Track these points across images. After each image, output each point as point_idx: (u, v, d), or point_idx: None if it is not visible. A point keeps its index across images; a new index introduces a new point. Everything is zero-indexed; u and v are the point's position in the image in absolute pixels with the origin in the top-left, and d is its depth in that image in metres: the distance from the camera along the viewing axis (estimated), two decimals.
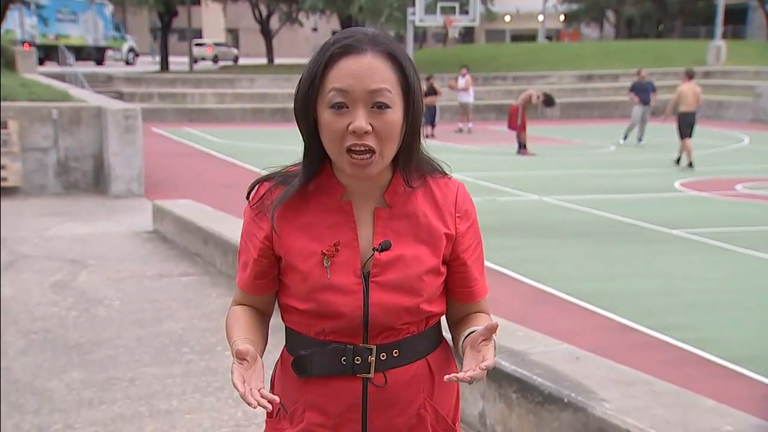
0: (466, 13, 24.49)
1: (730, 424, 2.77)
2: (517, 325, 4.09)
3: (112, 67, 43.79)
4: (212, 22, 66.85)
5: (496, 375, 3.49)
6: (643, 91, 20.76)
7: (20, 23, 33.06)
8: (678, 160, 16.25)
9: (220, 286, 7.05)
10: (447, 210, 1.81)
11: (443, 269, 1.81)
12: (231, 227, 7.59)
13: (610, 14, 56.09)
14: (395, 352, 1.75)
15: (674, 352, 5.92)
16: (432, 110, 20.87)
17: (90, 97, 15.16)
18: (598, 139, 21.58)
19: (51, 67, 33.96)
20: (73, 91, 16.45)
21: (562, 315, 6.85)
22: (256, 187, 1.80)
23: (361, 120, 1.61)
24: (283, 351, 1.91)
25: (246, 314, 1.87)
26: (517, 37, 60.72)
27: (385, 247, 1.72)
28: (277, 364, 1.94)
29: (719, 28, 35.27)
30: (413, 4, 24.22)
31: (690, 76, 16.86)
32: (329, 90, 1.62)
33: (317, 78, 1.64)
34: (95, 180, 12.37)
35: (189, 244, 8.36)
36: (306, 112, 1.69)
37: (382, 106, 1.63)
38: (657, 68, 33.72)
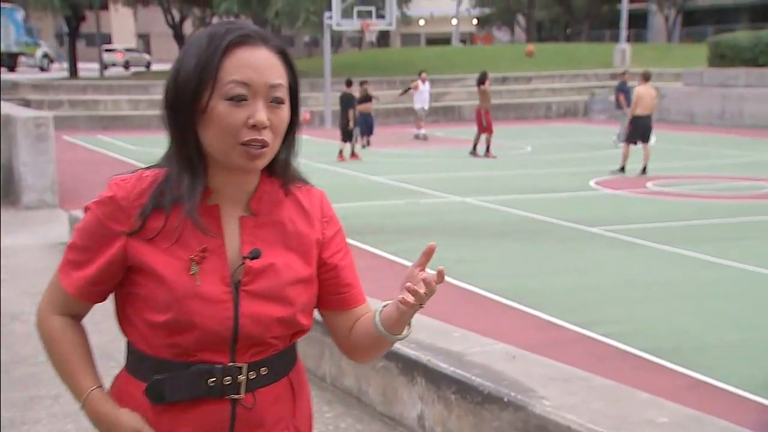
0: (383, 17, 24.53)
1: (665, 415, 2.84)
2: (453, 325, 4.10)
3: (25, 73, 42.29)
4: (122, 27, 65.11)
5: (434, 376, 3.50)
6: (626, 92, 20.29)
7: None
8: (623, 168, 15.39)
9: None
10: (315, 216, 1.74)
11: (316, 279, 1.73)
12: None
13: (521, 18, 57.29)
14: (263, 370, 1.65)
15: (599, 347, 6.06)
16: (368, 118, 20.06)
17: None
18: (516, 140, 21.97)
19: None
20: None
21: (489, 314, 6.94)
22: (112, 185, 1.64)
23: (262, 114, 1.53)
24: (121, 377, 1.74)
25: (79, 338, 1.73)
26: (432, 41, 61.42)
27: (255, 255, 1.61)
28: (110, 392, 1.74)
29: (624, 31, 36.51)
30: (330, 8, 24.09)
31: (646, 78, 15.98)
32: (227, 81, 1.53)
33: (210, 68, 1.53)
34: (5, 191, 11.81)
35: None
36: (190, 105, 1.56)
37: (279, 102, 1.57)
38: (567, 70, 34.67)
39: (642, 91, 15.62)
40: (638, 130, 15.44)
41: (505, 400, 3.09)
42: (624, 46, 35.65)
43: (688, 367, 5.60)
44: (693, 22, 55.71)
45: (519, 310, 6.97)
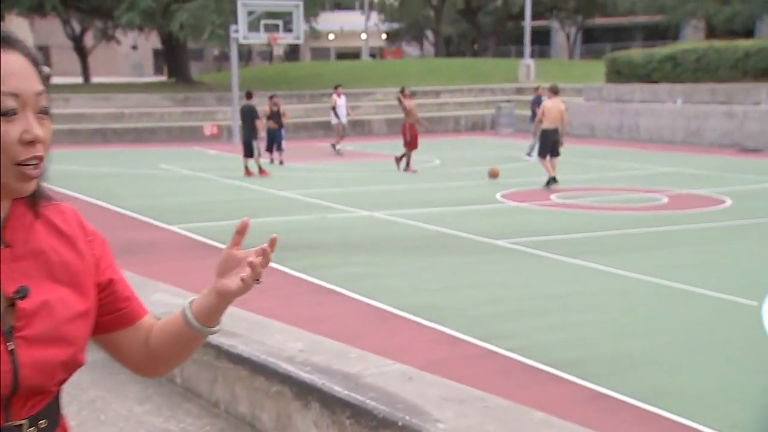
0: (290, 30, 24.38)
1: None
2: (350, 346, 3.99)
3: None
4: (19, 38, 62.56)
5: (328, 401, 3.37)
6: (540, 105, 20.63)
7: None
8: (551, 181, 15.30)
9: None
10: (77, 237, 1.52)
11: (94, 310, 1.52)
12: None
13: (429, 33, 58.05)
14: (43, 423, 1.43)
15: (502, 362, 6.06)
16: (276, 134, 19.43)
17: None
18: (424, 154, 22.02)
19: None
20: None
21: (395, 330, 6.86)
22: None
23: (36, 127, 1.34)
24: None
25: None
26: (342, 55, 61.46)
27: (23, 294, 1.37)
28: None
29: (528, 47, 37.43)
30: (236, 22, 23.75)
31: (555, 91, 15.96)
32: None
33: None
34: None
35: None
36: None
37: (46, 112, 1.38)
38: (474, 85, 35.22)
39: (549, 105, 15.69)
40: (548, 144, 15.54)
41: (400, 424, 3.00)
42: (528, 62, 36.52)
43: (587, 379, 5.65)
44: (592, 40, 57.67)
45: (425, 325, 6.92)
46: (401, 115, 30.05)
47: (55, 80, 51.12)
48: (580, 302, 7.67)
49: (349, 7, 59.56)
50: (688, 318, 7.19)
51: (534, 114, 20.14)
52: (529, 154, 20.00)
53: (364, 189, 15.62)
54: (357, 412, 3.21)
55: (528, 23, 36.83)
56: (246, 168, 17.56)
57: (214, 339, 4.63)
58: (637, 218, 12.22)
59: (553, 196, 14.35)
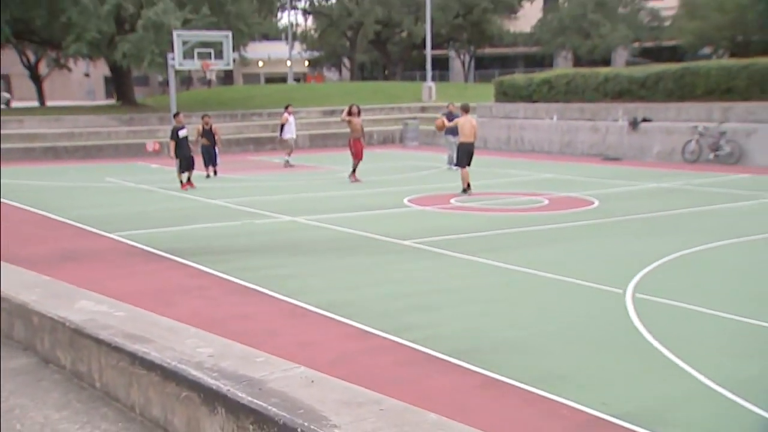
0: (221, 57, 23.75)
1: None
2: (259, 349, 3.59)
3: None
4: None
5: (233, 407, 2.98)
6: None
7: None
8: (466, 188, 14.93)
9: None
10: None
11: None
12: None
13: (346, 60, 57.67)
14: None
15: (407, 353, 5.76)
16: (210, 150, 18.28)
17: None
18: (342, 165, 21.67)
19: None
20: None
21: (311, 327, 6.49)
22: None
23: None
24: None
25: None
26: (270, 79, 60.44)
27: None
28: None
29: (429, 72, 37.62)
30: (173, 50, 23.00)
31: (466, 110, 15.58)
32: None
33: None
34: None
35: None
36: None
37: None
38: (385, 104, 35.04)
39: (462, 121, 15.33)
40: (464, 155, 15.13)
41: (299, 430, 2.63)
42: (430, 85, 36.66)
43: (481, 366, 5.41)
44: (483, 66, 58.64)
45: (338, 321, 6.58)
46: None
47: (17, 104, 48.69)
48: (475, 295, 7.47)
49: (276, 38, 58.65)
50: (566, 306, 7.07)
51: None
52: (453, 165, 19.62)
53: (288, 197, 15.13)
54: (260, 418, 2.83)
55: (429, 52, 37.11)
56: (181, 182, 16.63)
57: (128, 345, 4.15)
58: (523, 218, 12.17)
59: (452, 200, 14.21)
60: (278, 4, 45.16)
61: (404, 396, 4.64)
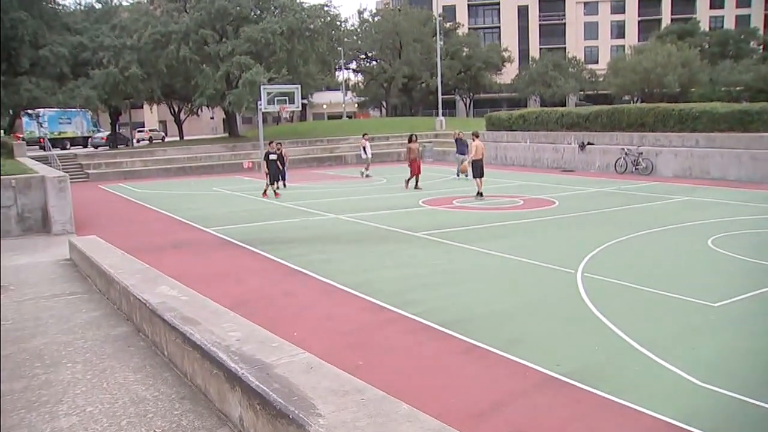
0: (293, 102, 23.68)
1: (421, 429, 1.93)
2: (275, 335, 3.08)
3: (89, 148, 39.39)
4: (151, 116, 61.47)
5: (246, 388, 2.50)
6: (460, 145, 19.13)
7: (38, 126, 32.93)
8: (479, 194, 13.96)
9: (91, 302, 5.47)
10: None
11: None
12: (108, 256, 6.10)
13: (384, 102, 57.08)
14: None
15: (409, 324, 5.22)
16: (280, 168, 16.99)
17: (42, 170, 12.97)
18: (377, 175, 21.17)
19: (57, 151, 30.34)
20: (39, 166, 14.36)
21: (338, 302, 5.98)
22: None
23: None
24: None
25: None
26: (331, 117, 60.16)
27: None
28: None
29: (440, 110, 37.00)
30: (261, 99, 23.05)
31: (476, 135, 14.73)
32: None
33: None
34: (43, 224, 10.90)
35: (84, 269, 6.68)
36: None
37: None
38: (410, 132, 34.27)
39: (474, 144, 14.46)
40: (476, 170, 14.24)
41: (291, 416, 2.13)
42: (441, 119, 36.04)
43: (464, 334, 4.83)
44: (479, 106, 57.78)
45: (359, 297, 6.06)
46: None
47: (169, 139, 49.60)
48: (464, 276, 6.88)
49: (335, 88, 58.46)
50: (532, 284, 6.42)
51: (458, 148, 19.20)
52: (458, 175, 18.89)
53: (335, 200, 14.62)
54: (263, 401, 2.34)
55: (440, 97, 36.54)
56: (264, 191, 15.98)
57: (181, 326, 3.68)
58: (505, 215, 11.46)
59: (455, 201, 13.53)
60: (335, 66, 44.73)
61: (404, 360, 4.09)
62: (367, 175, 20.45)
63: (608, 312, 5.25)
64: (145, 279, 4.86)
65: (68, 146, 31.75)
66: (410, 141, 16.52)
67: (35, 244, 9.36)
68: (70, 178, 26.37)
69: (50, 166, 22.65)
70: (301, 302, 5.83)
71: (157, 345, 3.90)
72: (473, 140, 14.83)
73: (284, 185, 17.98)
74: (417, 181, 16.18)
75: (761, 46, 53.41)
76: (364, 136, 21.45)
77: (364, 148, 21.08)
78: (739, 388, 3.76)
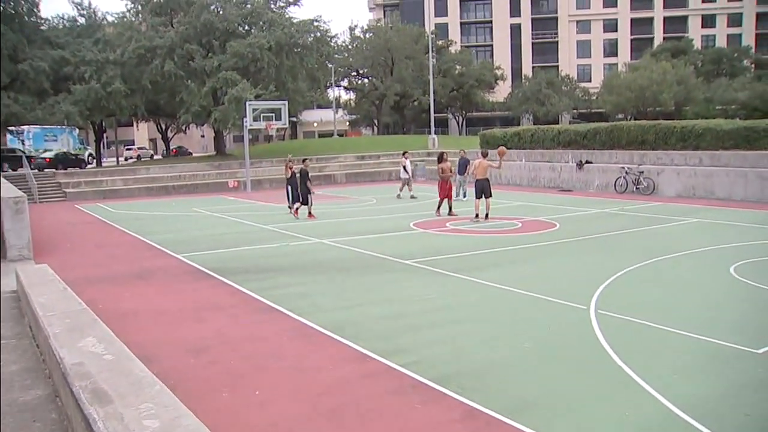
0: (280, 119, 23.06)
1: None
2: (205, 427, 2.24)
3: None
4: (140, 134, 60.96)
5: None
6: (462, 165, 17.89)
7: (22, 144, 32.26)
8: (483, 215, 13.06)
9: (17, 351, 4.61)
10: None
11: None
12: (44, 291, 5.28)
13: (375, 121, 56.73)
14: None
15: (399, 379, 4.35)
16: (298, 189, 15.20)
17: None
18: (366, 195, 20.45)
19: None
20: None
21: (314, 347, 5.11)
22: None
23: None
24: None
25: None
26: (322, 135, 59.75)
27: None
28: None
29: (433, 128, 36.67)
30: (246, 116, 22.48)
31: (484, 155, 13.60)
32: None
33: None
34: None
35: (24, 305, 5.89)
36: None
37: None
38: (402, 150, 33.74)
39: (477, 163, 13.41)
40: (478, 190, 13.10)
41: None
42: (434, 137, 35.73)
43: (463, 394, 4.00)
44: (471, 124, 57.69)
45: (340, 342, 5.20)
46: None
47: (156, 157, 48.82)
48: (459, 314, 6.03)
49: (326, 106, 58.12)
50: (539, 323, 5.60)
51: (459, 169, 18.13)
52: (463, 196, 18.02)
53: (320, 222, 13.78)
54: None
55: (433, 115, 36.08)
56: (296, 210, 14.48)
57: (87, 407, 2.72)
58: (501, 240, 10.69)
59: (448, 224, 12.75)
60: (326, 84, 44.34)
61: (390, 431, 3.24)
62: (412, 196, 18.55)
63: (633, 362, 4.45)
64: (72, 326, 4.00)
65: (25, 164, 30.59)
66: (440, 161, 14.58)
67: None
68: (47, 198, 25.06)
69: (27, 184, 21.79)
70: (271, 348, 4.98)
71: (70, 420, 3.04)
72: (479, 158, 13.69)
73: (289, 207, 15.58)
74: (450, 207, 14.28)
75: (753, 65, 54.10)
76: (404, 154, 19.48)
77: (404, 167, 19.14)
78: None
